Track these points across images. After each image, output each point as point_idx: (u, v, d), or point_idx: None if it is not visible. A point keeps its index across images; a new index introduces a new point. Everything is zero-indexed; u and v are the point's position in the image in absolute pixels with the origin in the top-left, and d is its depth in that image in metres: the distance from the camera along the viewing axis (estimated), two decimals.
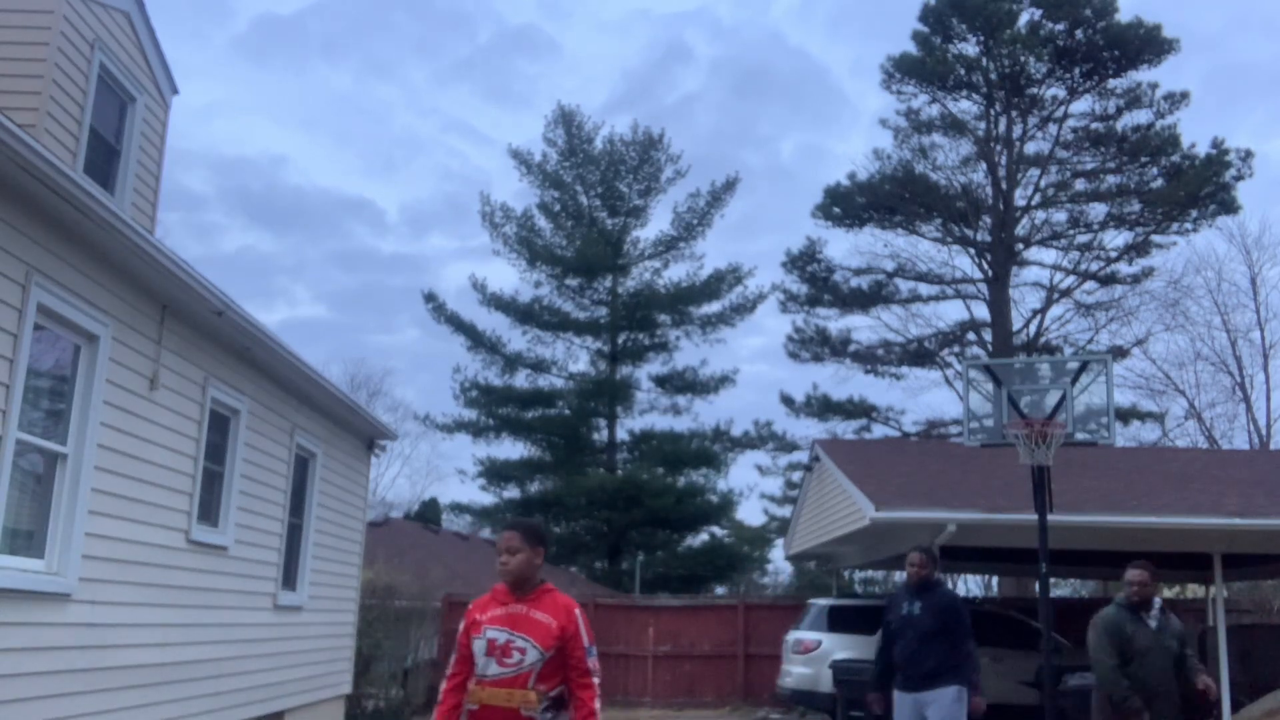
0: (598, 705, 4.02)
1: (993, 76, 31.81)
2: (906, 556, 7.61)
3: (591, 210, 37.21)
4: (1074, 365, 11.20)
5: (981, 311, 32.85)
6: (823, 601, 16.58)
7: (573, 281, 36.31)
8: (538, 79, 74.86)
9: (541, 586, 4.18)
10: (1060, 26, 31.25)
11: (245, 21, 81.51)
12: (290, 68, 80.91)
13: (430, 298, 35.76)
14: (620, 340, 36.18)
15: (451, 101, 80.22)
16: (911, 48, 32.77)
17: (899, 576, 34.35)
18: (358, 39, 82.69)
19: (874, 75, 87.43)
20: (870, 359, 34.01)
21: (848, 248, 68.41)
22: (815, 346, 34.66)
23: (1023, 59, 31.18)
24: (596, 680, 4.07)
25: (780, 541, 27.80)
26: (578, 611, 4.13)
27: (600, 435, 36.33)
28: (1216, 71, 55.20)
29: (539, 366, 35.93)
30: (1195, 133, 35.13)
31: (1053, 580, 24.20)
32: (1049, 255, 36.43)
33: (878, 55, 72.00)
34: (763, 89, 72.23)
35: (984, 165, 32.61)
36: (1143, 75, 31.35)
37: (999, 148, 32.59)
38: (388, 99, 79.56)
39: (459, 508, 38.00)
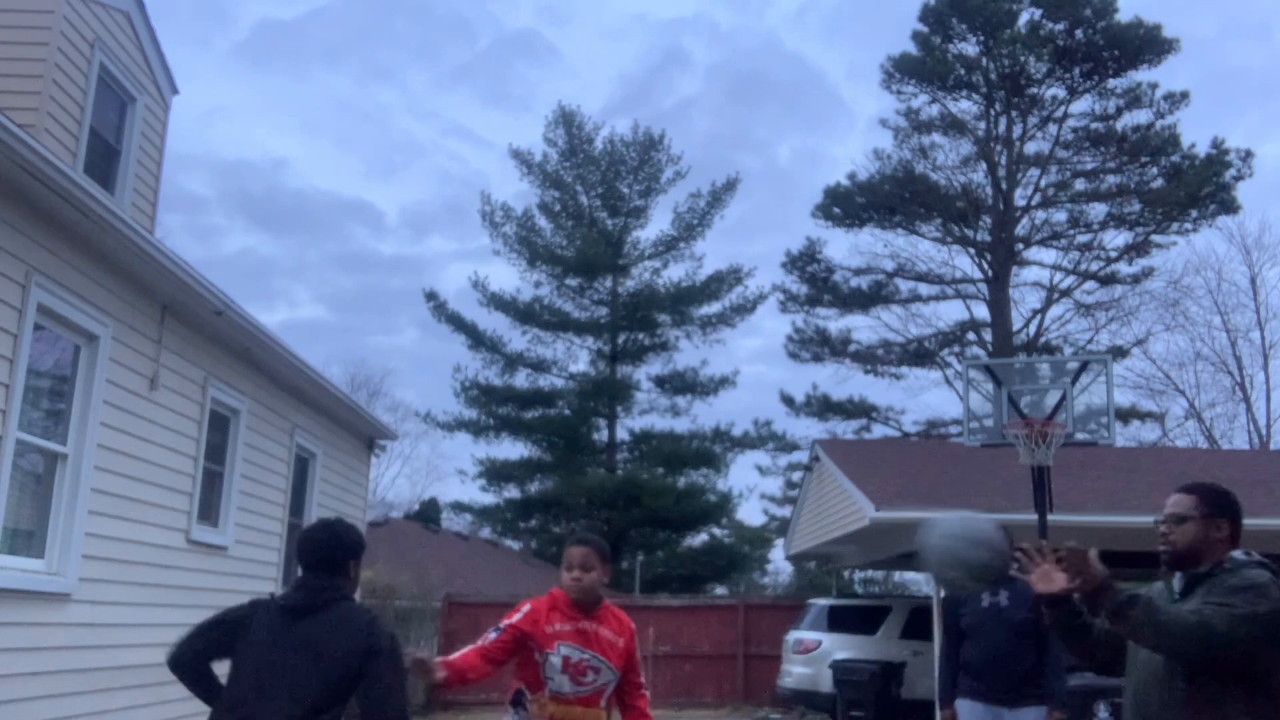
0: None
1: (993, 76, 31.82)
2: None
3: (592, 210, 37.20)
4: (1074, 365, 11.21)
5: (981, 311, 32.88)
6: (823, 601, 16.57)
7: (573, 281, 36.30)
8: (537, 84, 74.84)
9: (605, 604, 4.15)
10: (1060, 26, 31.26)
11: (246, 27, 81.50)
12: (291, 72, 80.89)
13: (431, 296, 35.77)
14: (620, 340, 36.16)
15: (451, 106, 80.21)
16: (911, 48, 32.80)
17: (899, 577, 34.35)
18: (358, 44, 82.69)
19: (869, 79, 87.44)
20: (870, 359, 34.04)
21: (847, 248, 68.33)
22: (815, 346, 34.69)
23: (1023, 59, 31.19)
24: (647, 691, 4.23)
25: (780, 541, 27.80)
26: (633, 625, 4.23)
27: (600, 435, 36.31)
28: (1210, 76, 55.19)
29: (539, 366, 35.93)
30: (1191, 135, 35.36)
31: None
32: (1049, 255, 36.49)
33: (873, 60, 72.11)
34: (760, 93, 72.21)
35: (984, 165, 32.64)
36: (1142, 75, 31.40)
37: (999, 148, 32.59)
38: (388, 103, 79.52)
39: (459, 507, 38.04)
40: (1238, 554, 3.28)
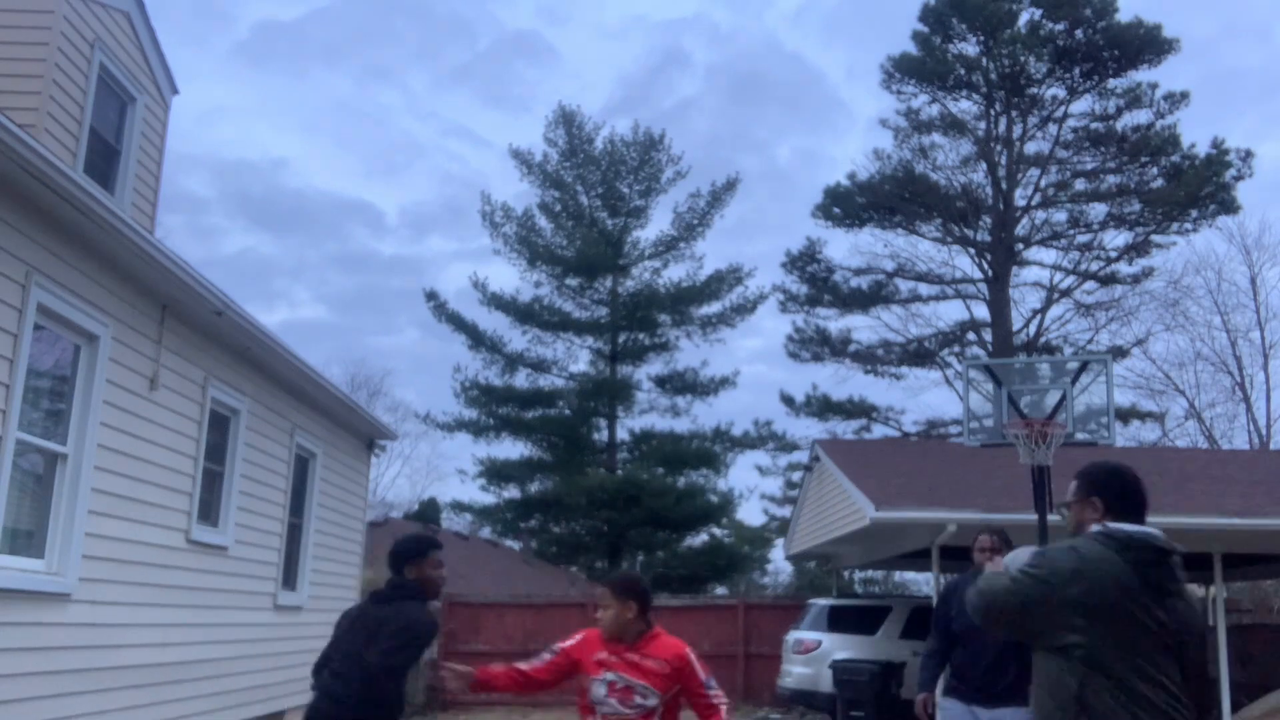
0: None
1: (993, 76, 31.80)
2: (975, 540, 6.15)
3: (592, 210, 37.16)
4: (1074, 365, 11.21)
5: (981, 311, 32.86)
6: (823, 601, 16.57)
7: (573, 281, 36.26)
8: (537, 84, 74.86)
9: (649, 633, 4.45)
10: (1060, 26, 31.24)
11: (246, 27, 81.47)
12: (291, 72, 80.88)
13: (431, 296, 35.72)
14: (620, 340, 36.13)
15: (451, 106, 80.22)
16: (911, 48, 32.78)
17: (899, 577, 34.36)
18: (358, 45, 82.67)
19: (869, 80, 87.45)
20: (870, 359, 34.02)
21: (848, 248, 68.40)
22: (815, 346, 34.68)
23: (1023, 59, 31.18)
24: (723, 705, 4.41)
25: (780, 541, 27.81)
26: (688, 651, 4.45)
27: (600, 435, 36.27)
28: (1209, 76, 55.20)
29: (539, 366, 35.89)
30: (1191, 135, 35.09)
31: None
32: (1049, 255, 36.48)
33: (873, 60, 72.11)
34: (759, 94, 72.22)
35: (984, 165, 32.61)
36: (1142, 75, 31.37)
37: (999, 148, 32.58)
38: (388, 104, 79.52)
39: (459, 507, 37.96)
40: (1094, 528, 3.22)
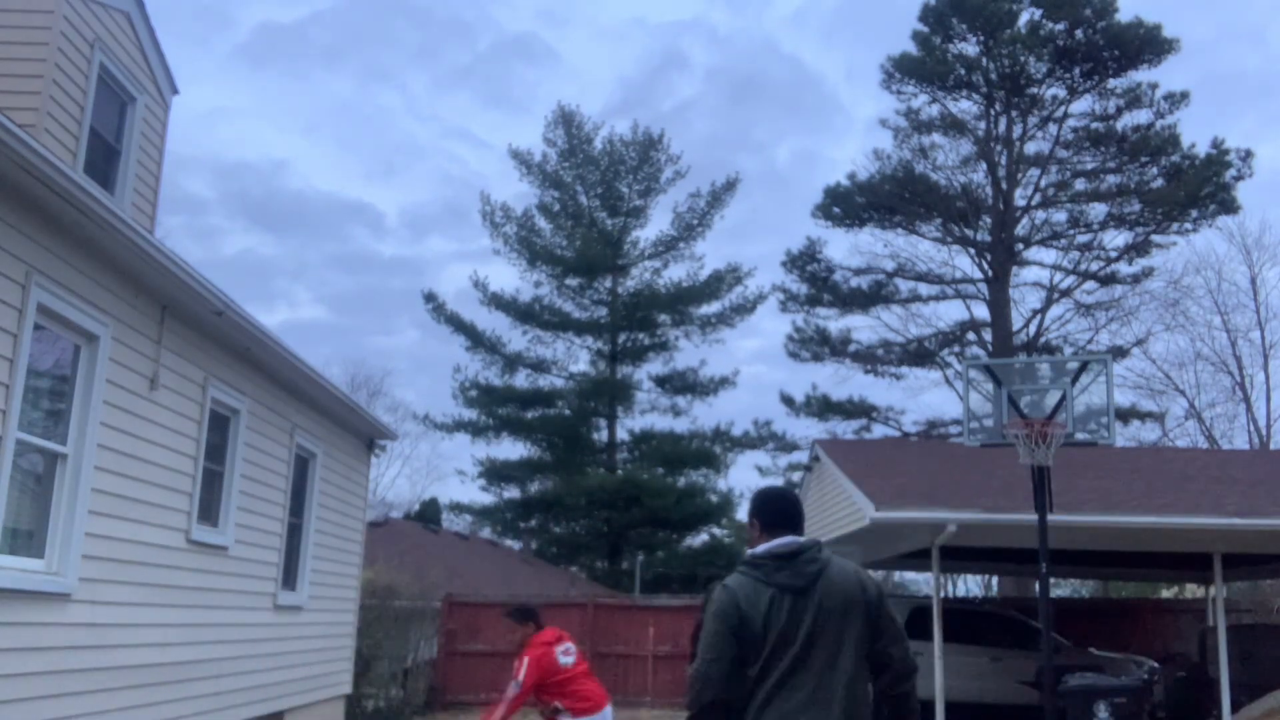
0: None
1: (993, 76, 31.79)
2: None
3: (591, 210, 37.19)
4: (1074, 365, 11.21)
5: (981, 311, 32.85)
6: None
7: (573, 281, 36.30)
8: (536, 86, 74.89)
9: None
10: (1060, 26, 31.22)
11: (247, 29, 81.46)
12: (291, 74, 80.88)
13: (430, 297, 35.79)
14: (620, 340, 36.16)
15: (451, 108, 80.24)
16: (911, 48, 32.77)
17: (899, 577, 34.37)
18: (358, 46, 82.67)
19: (868, 81, 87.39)
20: (870, 359, 34.00)
21: (847, 248, 68.49)
22: (815, 346, 34.66)
23: (1023, 59, 31.17)
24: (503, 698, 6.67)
25: None
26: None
27: (600, 435, 36.31)
28: (1208, 77, 55.26)
29: (539, 366, 35.93)
30: (1190, 136, 34.80)
31: (1053, 580, 24.20)
32: (1049, 255, 36.48)
33: (872, 61, 72.30)
34: (758, 95, 72.30)
35: (984, 165, 32.60)
36: (1142, 75, 31.36)
37: (999, 148, 32.57)
38: (388, 105, 79.55)
39: (459, 507, 38.00)
40: (749, 552, 3.41)
